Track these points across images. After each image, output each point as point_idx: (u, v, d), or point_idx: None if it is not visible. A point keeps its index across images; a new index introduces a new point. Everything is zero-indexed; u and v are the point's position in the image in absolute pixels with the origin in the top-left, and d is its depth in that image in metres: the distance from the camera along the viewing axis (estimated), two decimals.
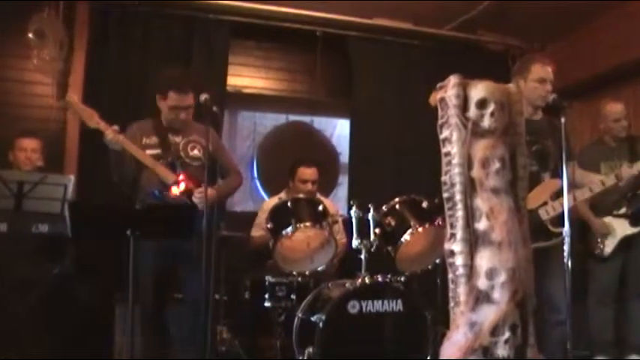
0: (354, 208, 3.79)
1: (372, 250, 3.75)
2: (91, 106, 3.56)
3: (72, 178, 3.66)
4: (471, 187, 1.88)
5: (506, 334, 1.81)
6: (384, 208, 3.86)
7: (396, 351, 3.48)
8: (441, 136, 1.96)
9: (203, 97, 3.41)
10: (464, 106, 1.95)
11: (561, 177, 3.05)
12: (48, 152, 4.31)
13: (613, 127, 4.28)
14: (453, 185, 1.90)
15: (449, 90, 1.95)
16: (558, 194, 3.28)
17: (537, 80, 3.49)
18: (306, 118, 5.86)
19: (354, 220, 3.76)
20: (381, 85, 5.61)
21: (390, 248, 3.83)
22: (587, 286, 4.34)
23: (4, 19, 4.61)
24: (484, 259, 1.84)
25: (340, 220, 4.54)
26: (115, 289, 3.88)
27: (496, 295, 1.82)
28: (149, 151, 3.57)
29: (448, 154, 1.93)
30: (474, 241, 1.86)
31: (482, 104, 1.93)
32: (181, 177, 3.53)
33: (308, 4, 5.19)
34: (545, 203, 3.35)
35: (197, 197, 3.48)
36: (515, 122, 2.00)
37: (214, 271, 3.25)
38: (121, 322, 3.95)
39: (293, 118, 5.83)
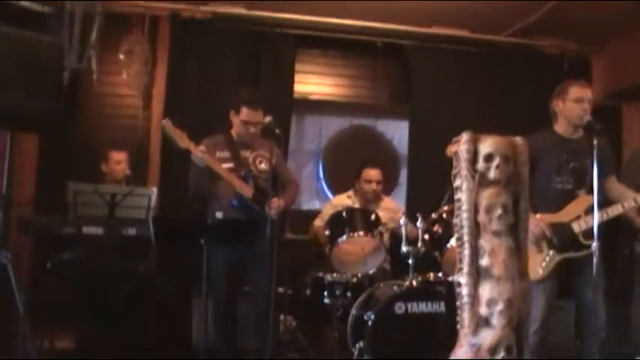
0: (403, 218, 4.17)
1: (420, 255, 4.13)
2: (171, 115, 4.09)
3: (155, 189, 4.22)
4: (476, 229, 2.24)
5: (502, 354, 2.17)
6: (433, 215, 4.24)
7: (439, 349, 3.83)
8: (454, 185, 2.32)
9: (267, 119, 3.86)
10: (474, 159, 2.29)
11: (594, 194, 3.30)
12: (134, 159, 4.92)
13: None
14: (462, 227, 2.26)
15: (461, 145, 2.29)
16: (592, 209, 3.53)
17: (575, 100, 3.70)
18: (368, 122, 6.22)
19: (403, 229, 4.14)
20: (439, 91, 5.85)
21: (437, 253, 4.21)
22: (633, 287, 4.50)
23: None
24: (485, 290, 2.21)
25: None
26: (191, 285, 4.40)
27: (494, 320, 2.19)
28: (224, 165, 3.92)
29: (459, 200, 2.28)
30: (477, 275, 2.22)
31: (488, 158, 2.27)
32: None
33: (369, 12, 5.46)
34: (578, 217, 3.62)
35: (272, 208, 3.79)
36: (519, 171, 2.32)
37: (278, 268, 3.67)
38: (197, 312, 4.51)
39: (356, 121, 6.20)
